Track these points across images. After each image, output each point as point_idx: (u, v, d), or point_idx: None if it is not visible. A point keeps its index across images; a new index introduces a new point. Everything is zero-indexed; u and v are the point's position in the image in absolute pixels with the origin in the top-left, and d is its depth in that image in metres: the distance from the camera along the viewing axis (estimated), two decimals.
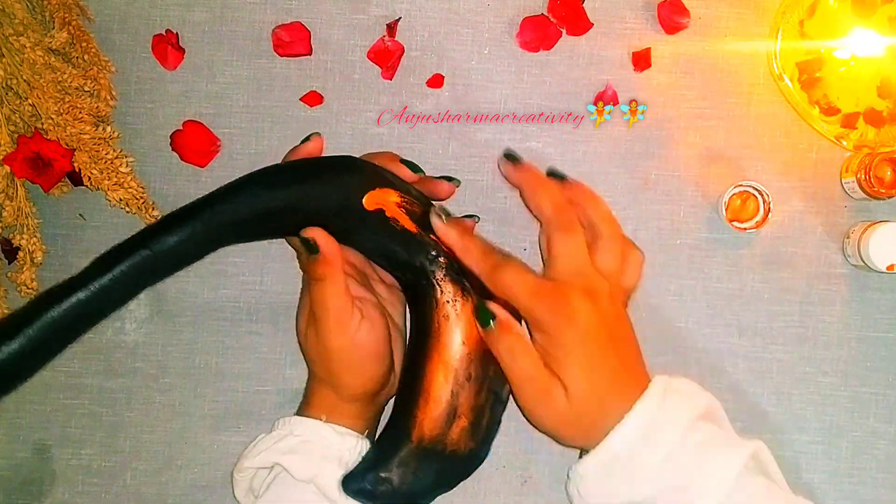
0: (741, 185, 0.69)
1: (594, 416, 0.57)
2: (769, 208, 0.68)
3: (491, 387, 0.61)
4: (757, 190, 0.68)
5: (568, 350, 0.57)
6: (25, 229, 0.68)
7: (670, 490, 0.55)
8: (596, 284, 0.58)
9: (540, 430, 0.60)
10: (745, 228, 0.69)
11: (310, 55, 0.72)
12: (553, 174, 0.63)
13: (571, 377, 0.57)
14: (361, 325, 0.60)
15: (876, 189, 0.67)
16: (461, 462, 0.62)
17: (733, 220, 0.69)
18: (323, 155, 0.63)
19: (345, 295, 0.60)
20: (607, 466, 0.56)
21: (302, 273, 0.63)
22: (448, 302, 0.60)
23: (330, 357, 0.61)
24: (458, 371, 0.60)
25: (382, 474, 0.60)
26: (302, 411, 0.64)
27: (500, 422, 0.63)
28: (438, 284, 0.61)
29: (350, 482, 0.60)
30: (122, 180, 0.68)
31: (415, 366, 0.61)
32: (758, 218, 0.69)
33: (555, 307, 0.57)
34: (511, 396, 0.61)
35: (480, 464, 0.63)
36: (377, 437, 0.64)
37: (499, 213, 0.71)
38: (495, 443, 0.71)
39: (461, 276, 0.61)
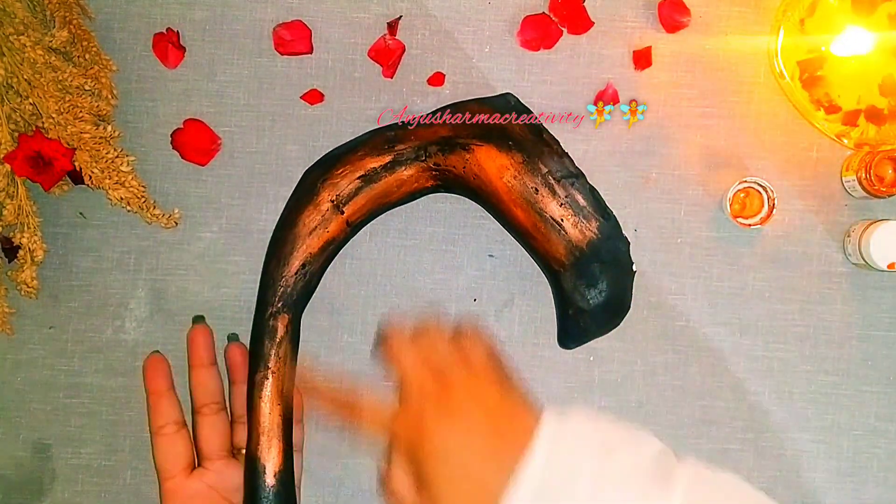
0: (745, 182, 0.69)
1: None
2: (773, 204, 0.68)
3: None
4: (761, 186, 0.68)
5: (431, 476, 0.57)
6: (26, 228, 0.68)
7: None
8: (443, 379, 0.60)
9: None
10: (749, 224, 0.69)
11: (310, 54, 0.72)
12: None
13: (442, 493, 0.57)
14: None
15: (877, 187, 0.67)
16: None
17: (737, 217, 0.69)
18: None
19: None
20: None
21: None
22: None
23: None
24: None
25: None
26: None
27: None
28: None
29: None
30: (122, 179, 0.68)
31: None
32: (762, 214, 0.69)
33: (412, 436, 0.58)
34: None
35: None
36: None
37: None
38: None
39: None
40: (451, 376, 0.61)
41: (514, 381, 0.63)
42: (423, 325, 0.65)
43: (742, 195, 0.69)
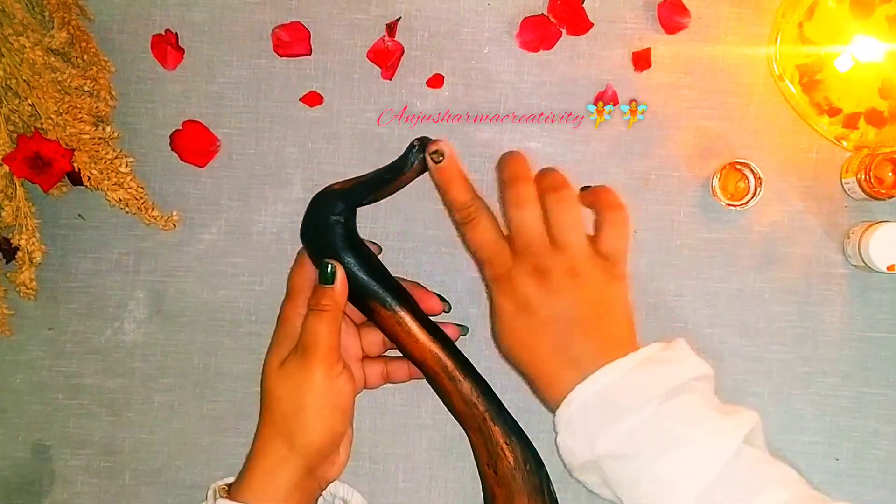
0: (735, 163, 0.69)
1: (547, 381, 0.58)
2: (760, 183, 0.68)
3: None
4: (742, 163, 0.69)
5: (505, 328, 0.59)
6: (24, 229, 0.68)
7: (654, 454, 0.55)
8: (545, 262, 0.58)
9: None
10: (739, 206, 0.69)
11: (309, 55, 0.72)
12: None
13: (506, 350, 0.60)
14: (343, 372, 0.62)
15: (876, 189, 0.67)
16: None
17: (727, 200, 0.69)
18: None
19: (338, 334, 0.61)
20: (571, 425, 0.57)
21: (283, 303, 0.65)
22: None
23: (304, 393, 0.60)
24: None
25: None
26: (241, 478, 0.62)
27: None
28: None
29: None
30: (121, 180, 0.68)
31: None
32: (748, 196, 0.69)
33: (499, 284, 0.59)
34: None
35: None
36: None
37: (499, 212, 0.71)
38: None
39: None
40: (574, 249, 0.58)
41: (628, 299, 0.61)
42: (557, 176, 0.61)
43: (727, 179, 0.69)
